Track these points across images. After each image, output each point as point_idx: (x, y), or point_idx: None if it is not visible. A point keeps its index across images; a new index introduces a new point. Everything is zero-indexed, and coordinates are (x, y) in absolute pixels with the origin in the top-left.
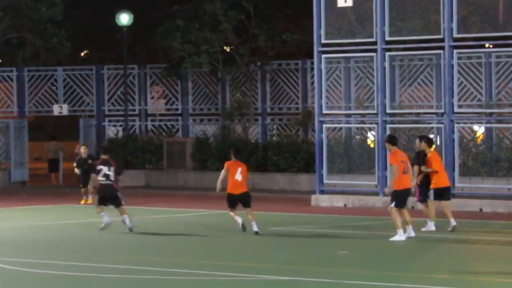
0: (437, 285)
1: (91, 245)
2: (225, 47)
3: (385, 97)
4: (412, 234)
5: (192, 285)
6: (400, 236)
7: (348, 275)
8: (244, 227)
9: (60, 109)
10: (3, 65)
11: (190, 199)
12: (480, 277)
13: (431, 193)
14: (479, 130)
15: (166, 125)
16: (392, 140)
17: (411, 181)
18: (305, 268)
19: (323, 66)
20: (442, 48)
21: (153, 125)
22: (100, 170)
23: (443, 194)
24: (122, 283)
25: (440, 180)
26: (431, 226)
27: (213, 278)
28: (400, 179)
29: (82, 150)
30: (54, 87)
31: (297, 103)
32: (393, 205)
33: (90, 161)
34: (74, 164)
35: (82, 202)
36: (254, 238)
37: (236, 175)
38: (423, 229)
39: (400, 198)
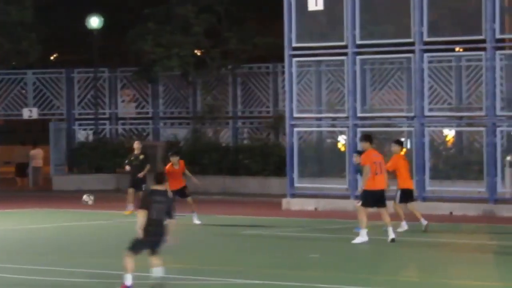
0: None
1: (58, 249)
2: (196, 51)
3: (356, 100)
4: (392, 236)
5: None
6: (362, 238)
7: (319, 278)
8: None
9: (30, 113)
10: None
11: None
12: (450, 281)
13: (397, 195)
14: (449, 133)
15: (136, 129)
16: (368, 139)
17: (384, 182)
18: (276, 271)
19: (294, 69)
20: (413, 51)
21: (124, 129)
22: None
23: (409, 196)
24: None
25: (405, 182)
26: (404, 225)
27: (183, 282)
28: (372, 179)
29: (135, 146)
30: (24, 91)
31: (268, 107)
32: (359, 204)
33: (141, 157)
34: (126, 161)
35: (127, 212)
36: (226, 241)
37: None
38: (398, 230)
39: (368, 198)
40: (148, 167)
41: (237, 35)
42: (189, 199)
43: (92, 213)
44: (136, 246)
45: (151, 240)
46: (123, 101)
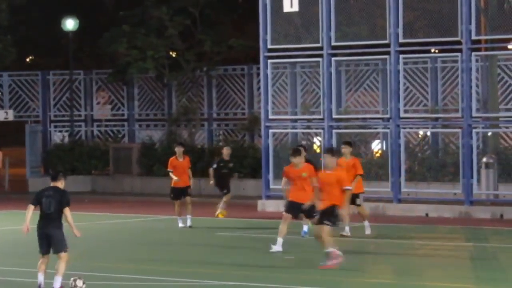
0: None
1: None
2: (171, 53)
3: (331, 102)
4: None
5: None
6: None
7: (294, 280)
8: None
9: (5, 115)
10: None
11: (136, 204)
12: (425, 282)
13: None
14: (421, 132)
15: (112, 131)
16: (297, 152)
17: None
18: (251, 273)
19: (269, 71)
20: (388, 53)
21: (99, 131)
22: None
23: (357, 199)
24: None
25: (356, 185)
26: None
27: (158, 283)
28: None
29: (225, 152)
30: None
31: (243, 109)
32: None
33: (231, 165)
34: (214, 166)
35: (221, 214)
36: (201, 243)
37: None
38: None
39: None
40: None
41: (211, 37)
42: (188, 198)
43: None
44: None
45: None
46: (98, 103)
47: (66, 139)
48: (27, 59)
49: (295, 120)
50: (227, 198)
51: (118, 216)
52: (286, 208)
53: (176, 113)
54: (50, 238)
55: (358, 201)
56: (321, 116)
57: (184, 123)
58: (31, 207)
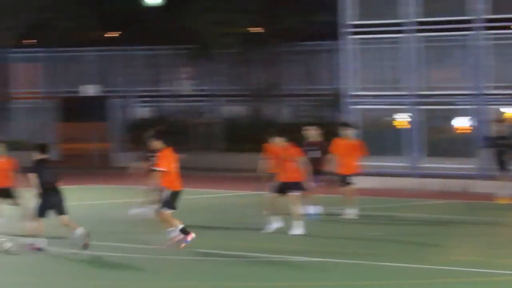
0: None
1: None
2: (254, 28)
3: (416, 78)
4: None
5: (240, 265)
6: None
7: (382, 256)
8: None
9: (91, 90)
10: (32, 46)
11: (218, 180)
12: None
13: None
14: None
15: (196, 106)
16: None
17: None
18: (340, 249)
19: (353, 47)
20: (475, 28)
21: (184, 106)
22: None
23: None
24: (153, 264)
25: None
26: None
27: (241, 260)
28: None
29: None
30: (85, 68)
31: (327, 84)
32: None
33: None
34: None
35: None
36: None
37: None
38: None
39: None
40: None
41: (295, 12)
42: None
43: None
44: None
45: None
46: (181, 78)
47: (149, 114)
48: (112, 35)
49: (379, 96)
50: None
51: (198, 191)
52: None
53: (260, 89)
54: None
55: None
56: (406, 92)
57: (267, 98)
58: None
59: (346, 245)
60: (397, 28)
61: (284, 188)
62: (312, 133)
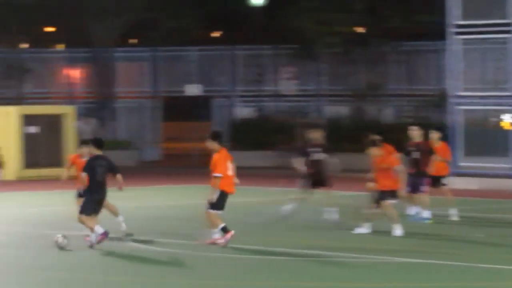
0: None
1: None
2: (357, 28)
3: None
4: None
5: (334, 265)
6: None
7: (483, 259)
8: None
9: (194, 89)
10: (137, 45)
11: None
12: None
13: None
14: None
15: (299, 106)
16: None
17: None
18: (440, 250)
19: (458, 47)
20: None
21: (286, 106)
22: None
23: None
24: (263, 264)
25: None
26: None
27: (343, 260)
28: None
29: None
30: (187, 68)
31: (430, 85)
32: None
33: None
34: None
35: None
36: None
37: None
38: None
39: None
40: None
41: (399, 13)
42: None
43: (253, 189)
44: None
45: None
46: (284, 78)
47: (252, 114)
48: (215, 34)
49: (484, 97)
50: None
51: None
52: None
53: (363, 89)
54: None
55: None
56: (510, 93)
57: (370, 99)
58: None
59: (447, 247)
60: (505, 28)
61: (381, 196)
62: (415, 134)
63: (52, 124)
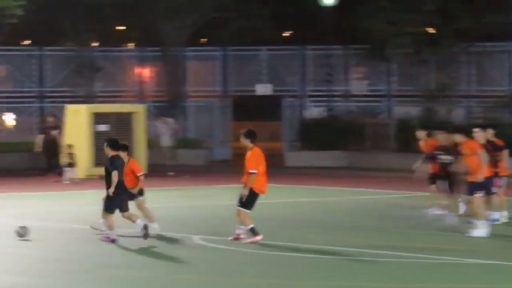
0: None
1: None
2: (428, 29)
3: None
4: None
5: (405, 266)
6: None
7: None
8: None
9: (264, 89)
10: (207, 45)
11: (392, 180)
12: None
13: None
14: None
15: (369, 106)
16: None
17: None
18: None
19: None
20: None
21: (356, 106)
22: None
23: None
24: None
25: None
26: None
27: (417, 261)
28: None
29: None
30: (257, 67)
31: (501, 86)
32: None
33: None
34: None
35: None
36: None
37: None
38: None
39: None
40: None
41: (469, 13)
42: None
43: (322, 189)
44: None
45: None
46: (355, 78)
47: (323, 114)
48: (285, 34)
49: None
50: None
51: (373, 192)
52: None
53: (433, 90)
54: None
55: None
56: None
57: (441, 99)
58: None
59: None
60: None
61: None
62: (478, 136)
63: (122, 123)
